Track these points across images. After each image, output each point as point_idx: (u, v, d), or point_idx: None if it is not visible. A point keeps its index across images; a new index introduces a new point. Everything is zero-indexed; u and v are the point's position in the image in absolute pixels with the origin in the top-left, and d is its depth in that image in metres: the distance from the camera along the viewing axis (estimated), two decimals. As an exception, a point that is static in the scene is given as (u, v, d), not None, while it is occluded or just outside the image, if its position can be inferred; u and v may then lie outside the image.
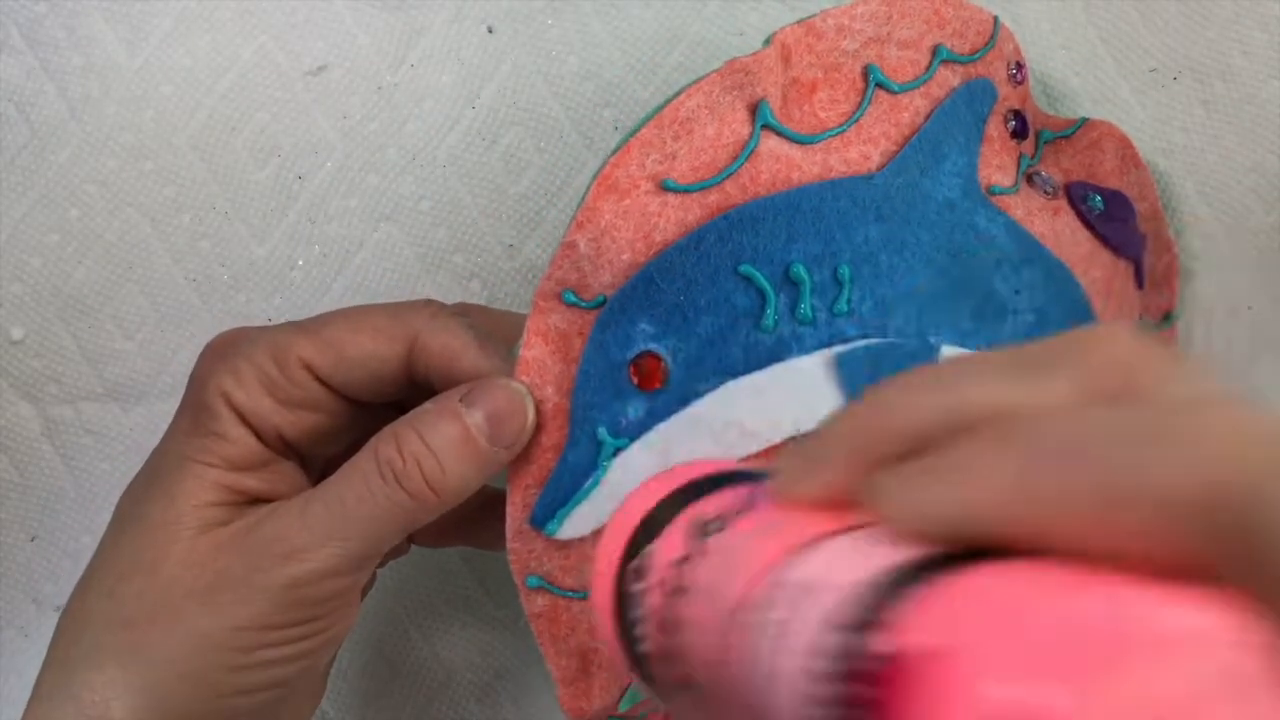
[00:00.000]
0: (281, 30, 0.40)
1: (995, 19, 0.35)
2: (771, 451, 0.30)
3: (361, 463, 0.29)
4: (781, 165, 0.31)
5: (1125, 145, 0.38)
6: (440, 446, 0.29)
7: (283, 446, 0.31)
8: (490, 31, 0.40)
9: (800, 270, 0.30)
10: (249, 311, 0.40)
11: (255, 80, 0.40)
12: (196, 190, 0.40)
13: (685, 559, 0.21)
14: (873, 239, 0.31)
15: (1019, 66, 0.35)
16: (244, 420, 0.31)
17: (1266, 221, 0.39)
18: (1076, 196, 0.36)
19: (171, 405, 0.40)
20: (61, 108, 0.40)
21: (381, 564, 0.37)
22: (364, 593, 0.36)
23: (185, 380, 0.40)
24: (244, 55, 0.40)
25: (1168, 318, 0.39)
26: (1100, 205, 0.36)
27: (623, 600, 0.22)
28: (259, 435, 0.31)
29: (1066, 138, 0.38)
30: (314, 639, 0.29)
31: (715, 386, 0.30)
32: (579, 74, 0.40)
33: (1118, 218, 0.37)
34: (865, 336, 0.31)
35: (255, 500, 0.31)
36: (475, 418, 0.29)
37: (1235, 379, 0.40)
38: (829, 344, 0.31)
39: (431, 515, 0.29)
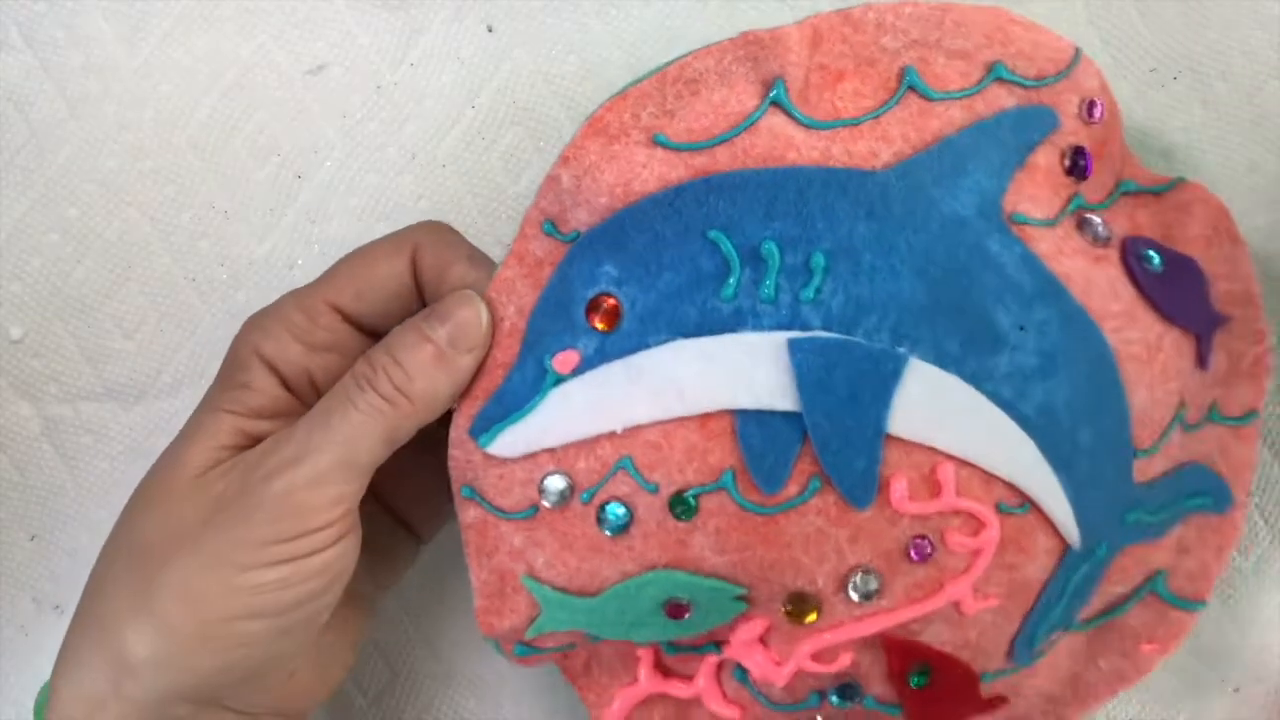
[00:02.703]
0: (281, 29, 0.40)
1: (1077, 51, 0.33)
2: (706, 421, 0.31)
3: (341, 381, 0.31)
4: (779, 143, 0.31)
5: (1221, 215, 0.35)
6: (405, 356, 0.31)
7: (312, 393, 0.33)
8: (490, 31, 0.40)
9: (771, 248, 0.30)
10: (249, 310, 0.40)
11: (255, 79, 0.40)
12: (196, 189, 0.40)
13: None
14: (858, 235, 0.30)
15: (1093, 105, 0.33)
16: (273, 369, 0.33)
17: (1267, 221, 0.39)
18: (1131, 251, 0.33)
19: (171, 404, 0.41)
20: (61, 107, 0.39)
21: (390, 578, 0.38)
22: (371, 604, 0.36)
23: (185, 379, 0.41)
24: (244, 54, 0.40)
25: (1249, 415, 0.36)
26: (1158, 265, 0.33)
27: None
28: (288, 383, 0.33)
29: (1154, 194, 0.35)
30: (309, 560, 0.30)
31: (665, 342, 0.31)
32: (579, 74, 0.40)
33: (1179, 283, 0.34)
34: (829, 330, 0.30)
35: None
36: (435, 328, 0.31)
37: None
38: (787, 327, 0.30)
39: (408, 421, 0.31)
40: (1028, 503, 0.32)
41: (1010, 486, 0.32)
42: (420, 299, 0.33)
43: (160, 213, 0.40)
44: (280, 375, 0.33)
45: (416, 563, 0.39)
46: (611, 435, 0.31)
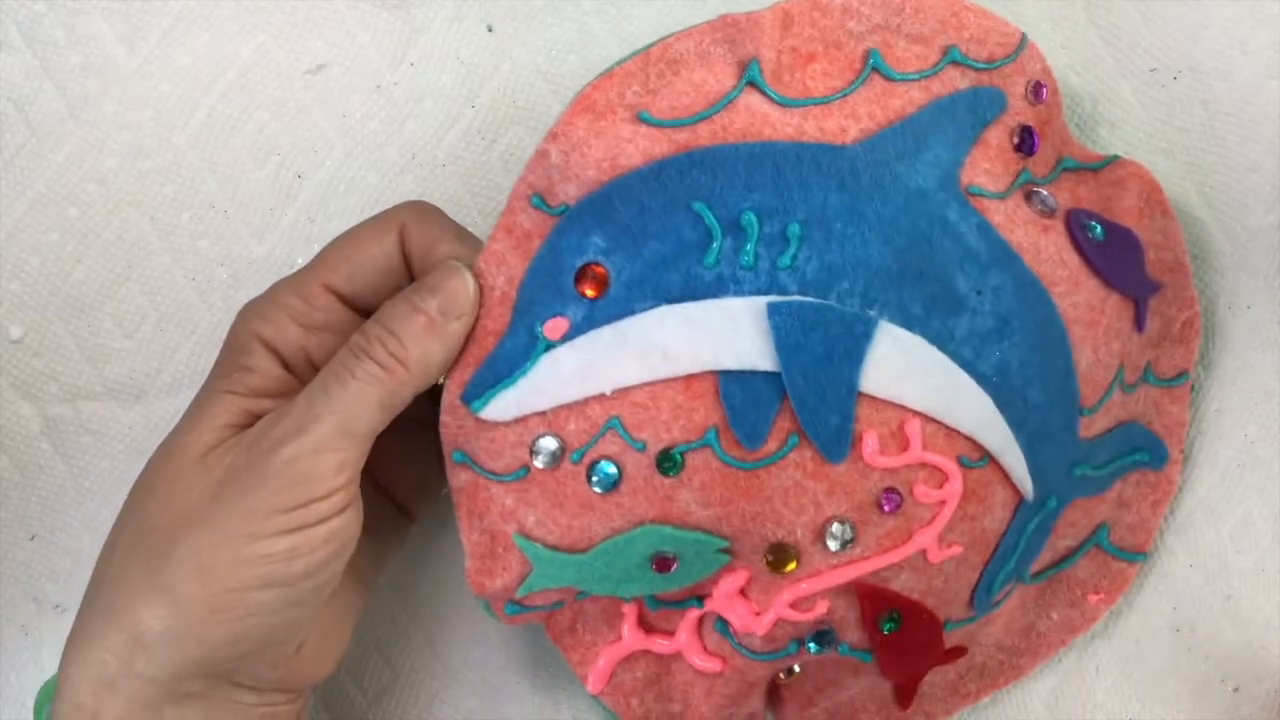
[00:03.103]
0: (281, 29, 0.40)
1: (1023, 36, 0.35)
2: (690, 382, 0.32)
3: (339, 354, 0.32)
4: (756, 120, 0.33)
5: (1153, 190, 0.38)
6: (398, 326, 0.32)
7: (311, 372, 0.33)
8: (490, 31, 0.40)
9: (750, 218, 0.32)
10: (248, 310, 0.40)
11: (255, 79, 0.40)
12: (196, 189, 0.40)
13: None
14: (830, 205, 0.32)
15: (1039, 87, 0.36)
16: (273, 351, 0.34)
17: (1266, 221, 0.39)
18: (1075, 221, 0.36)
19: (171, 403, 0.41)
20: (60, 106, 0.39)
21: (385, 556, 0.38)
22: (368, 581, 0.37)
23: (185, 378, 0.41)
24: (243, 54, 0.40)
25: (1181, 375, 0.39)
26: (1100, 235, 0.36)
27: None
28: (287, 364, 0.34)
29: (1092, 170, 0.38)
30: (315, 529, 0.31)
31: (651, 307, 0.32)
32: (579, 74, 0.40)
33: (1119, 252, 0.37)
34: (804, 295, 0.32)
35: None
36: (425, 298, 0.32)
37: (1234, 379, 0.40)
38: (766, 292, 0.32)
39: (404, 387, 0.32)
40: (986, 456, 0.35)
41: (970, 441, 0.34)
42: (410, 276, 0.34)
43: (160, 212, 0.40)
44: (280, 356, 0.34)
45: (417, 562, 0.39)
46: (601, 397, 0.33)
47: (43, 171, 0.40)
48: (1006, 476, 0.35)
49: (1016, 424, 0.34)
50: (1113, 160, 0.38)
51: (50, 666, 0.41)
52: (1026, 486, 0.36)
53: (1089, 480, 0.38)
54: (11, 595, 0.41)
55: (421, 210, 0.35)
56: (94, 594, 0.32)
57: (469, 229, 0.40)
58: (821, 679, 0.39)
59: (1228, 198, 0.39)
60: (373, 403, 0.31)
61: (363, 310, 0.34)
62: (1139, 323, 0.37)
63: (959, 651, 0.38)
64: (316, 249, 0.40)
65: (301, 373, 0.34)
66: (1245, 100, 0.39)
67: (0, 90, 0.39)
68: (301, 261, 0.40)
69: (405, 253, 0.34)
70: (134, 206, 0.40)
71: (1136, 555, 0.40)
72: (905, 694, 0.39)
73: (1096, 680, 0.41)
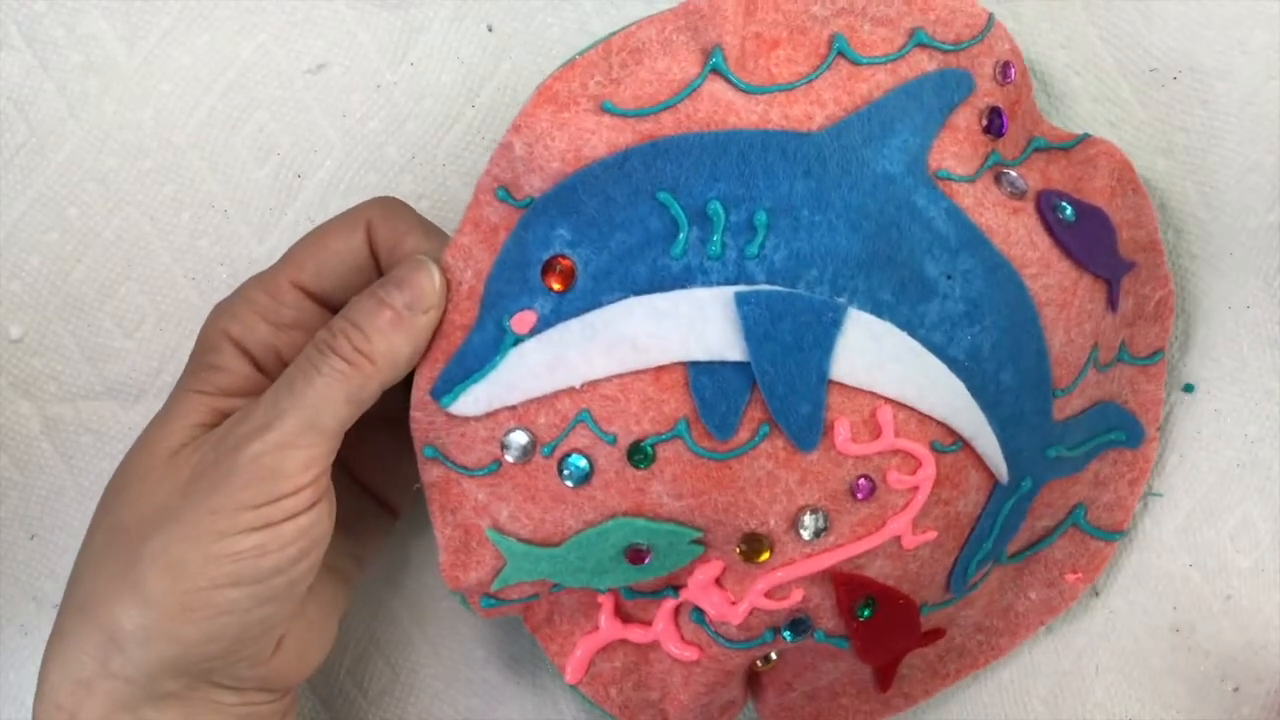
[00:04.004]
0: (281, 28, 0.40)
1: (990, 16, 0.35)
2: (660, 374, 0.32)
3: (305, 350, 0.32)
4: (720, 108, 0.32)
5: (1124, 169, 0.38)
6: (364, 320, 0.32)
7: (282, 369, 0.33)
8: (490, 30, 0.40)
9: (716, 207, 0.32)
10: (248, 310, 0.40)
11: (255, 78, 0.40)
12: (196, 188, 0.40)
13: None
14: (797, 193, 0.32)
15: (1007, 67, 0.35)
16: (242, 349, 0.34)
17: (1266, 221, 0.39)
18: (1046, 203, 0.36)
19: (171, 404, 0.41)
20: (60, 106, 0.39)
21: (367, 552, 0.38)
22: (350, 578, 0.37)
23: (185, 379, 0.41)
24: (243, 53, 0.40)
25: (1156, 354, 0.39)
26: (1071, 216, 0.36)
27: None
28: (257, 363, 0.34)
29: (1063, 150, 0.38)
30: (284, 526, 0.31)
31: (619, 299, 0.32)
32: (579, 73, 0.40)
33: (1090, 233, 0.36)
34: (772, 284, 0.32)
35: None
36: (391, 293, 0.32)
37: (1234, 379, 0.40)
38: (734, 282, 0.32)
39: (370, 382, 0.32)
40: (959, 441, 0.34)
41: (943, 426, 0.34)
42: (378, 271, 0.34)
43: (160, 212, 0.40)
44: (249, 355, 0.34)
45: (418, 562, 0.39)
46: (570, 390, 0.33)
47: (43, 171, 0.40)
48: (980, 460, 0.35)
49: (989, 408, 0.34)
50: (1083, 139, 0.38)
51: (50, 666, 0.41)
52: (1001, 470, 0.35)
53: (1064, 461, 0.38)
54: (11, 595, 0.41)
55: (388, 206, 0.35)
56: (70, 591, 0.32)
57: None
58: (799, 665, 0.39)
59: (1228, 198, 0.39)
60: (339, 398, 0.31)
61: (332, 307, 0.34)
62: (1112, 302, 0.37)
63: (937, 634, 0.39)
64: (316, 249, 0.40)
65: (271, 371, 0.34)
66: (1245, 100, 0.39)
67: (0, 90, 0.39)
68: (301, 261, 0.40)
69: (373, 248, 0.34)
70: (134, 206, 0.40)
71: (1114, 534, 0.40)
72: (884, 677, 0.39)
73: (1096, 680, 0.41)
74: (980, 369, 0.34)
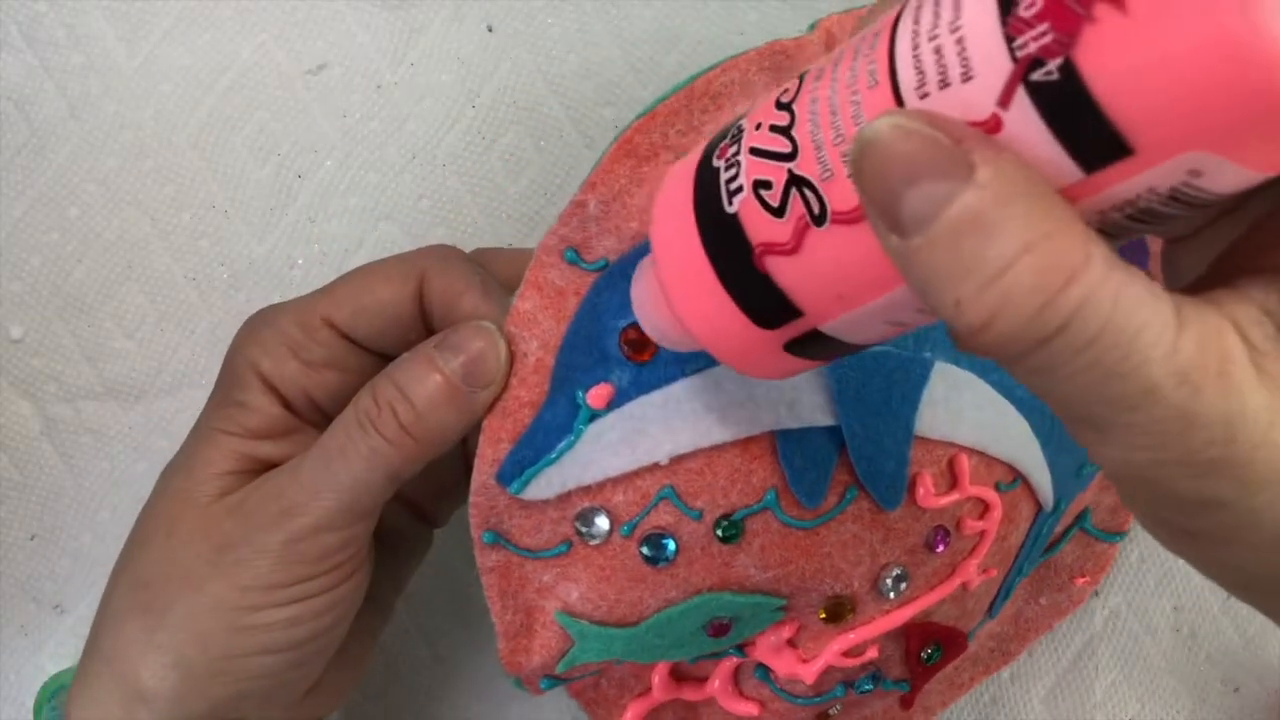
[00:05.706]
0: (281, 29, 0.40)
1: None
2: (748, 444, 0.30)
3: (345, 415, 0.30)
4: None
5: None
6: (414, 391, 0.29)
7: (312, 411, 0.32)
8: (490, 30, 0.40)
9: None
10: (248, 310, 0.40)
11: (255, 79, 0.40)
12: (196, 189, 0.40)
13: (788, 93, 0.21)
14: None
15: None
16: (271, 387, 0.31)
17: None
18: None
19: (171, 403, 0.41)
20: (61, 106, 0.39)
21: (406, 572, 0.37)
22: (388, 605, 0.36)
23: (185, 378, 0.41)
24: (244, 54, 0.40)
25: None
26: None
27: (705, 184, 0.22)
28: (286, 402, 0.31)
29: None
30: (317, 599, 0.30)
31: (702, 368, 0.30)
32: (579, 73, 0.40)
33: (1125, 256, 0.36)
34: None
35: (272, 468, 0.31)
36: (449, 360, 0.29)
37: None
38: None
39: (415, 461, 0.29)
40: (1019, 478, 0.34)
41: (1006, 465, 0.33)
42: (423, 325, 0.32)
43: (160, 212, 0.40)
44: (278, 393, 0.31)
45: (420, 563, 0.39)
46: (653, 466, 0.30)
47: (43, 171, 0.40)
48: (1032, 492, 0.35)
49: (1045, 440, 0.34)
50: None
51: (50, 667, 0.41)
52: (1048, 498, 0.35)
53: (1087, 476, 0.38)
54: (11, 595, 0.41)
55: (446, 258, 0.32)
56: (95, 637, 0.31)
57: (469, 229, 0.40)
58: (852, 706, 0.38)
59: (1227, 198, 0.39)
60: (378, 480, 0.29)
61: (367, 348, 0.32)
62: None
63: (962, 648, 0.38)
64: (317, 249, 0.40)
65: (301, 411, 0.32)
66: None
67: (1, 90, 0.39)
68: (302, 262, 0.40)
69: (424, 302, 0.31)
70: (134, 206, 0.40)
71: (1116, 535, 0.40)
72: (911, 696, 0.39)
73: (1096, 680, 0.41)
74: (1038, 403, 0.32)
